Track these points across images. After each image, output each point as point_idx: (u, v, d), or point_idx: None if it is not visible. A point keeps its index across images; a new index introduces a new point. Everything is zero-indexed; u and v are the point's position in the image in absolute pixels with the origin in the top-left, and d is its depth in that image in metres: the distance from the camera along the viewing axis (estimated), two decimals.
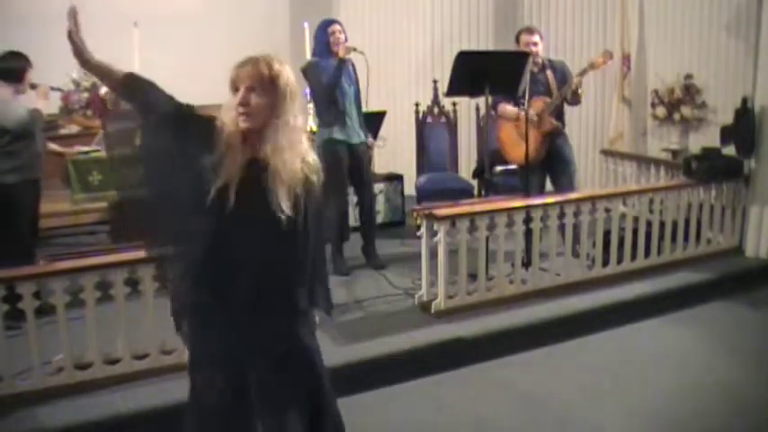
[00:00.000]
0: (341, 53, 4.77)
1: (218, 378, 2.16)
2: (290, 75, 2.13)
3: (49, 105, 4.86)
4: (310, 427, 2.23)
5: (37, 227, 4.68)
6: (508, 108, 5.06)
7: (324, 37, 4.85)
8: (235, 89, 2.09)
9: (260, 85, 2.07)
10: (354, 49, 4.82)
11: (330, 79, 4.77)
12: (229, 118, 2.09)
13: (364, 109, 5.14)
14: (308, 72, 4.87)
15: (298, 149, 2.12)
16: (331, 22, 4.96)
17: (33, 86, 4.47)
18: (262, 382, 2.16)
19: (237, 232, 2.08)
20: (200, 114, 2.16)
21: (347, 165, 4.96)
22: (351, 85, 4.95)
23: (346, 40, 4.88)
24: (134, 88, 2.19)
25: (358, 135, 5.01)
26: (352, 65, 5.01)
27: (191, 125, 2.13)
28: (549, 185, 5.30)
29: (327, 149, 4.80)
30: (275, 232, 2.08)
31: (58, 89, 4.95)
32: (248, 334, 2.15)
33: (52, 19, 6.75)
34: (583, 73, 4.86)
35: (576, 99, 4.96)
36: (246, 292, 2.12)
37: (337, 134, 4.90)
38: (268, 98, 2.07)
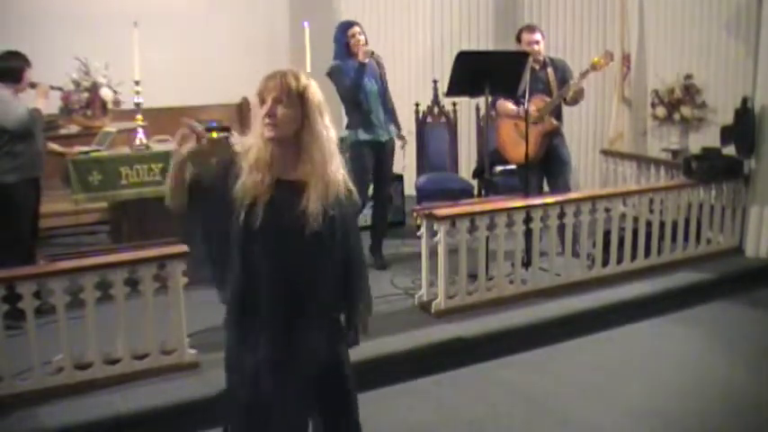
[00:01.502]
0: (360, 57, 4.80)
1: (250, 390, 2.17)
2: (317, 89, 2.15)
3: (50, 105, 4.86)
4: None
5: (37, 227, 4.68)
6: (508, 105, 5.06)
7: (343, 39, 4.90)
8: (262, 101, 2.10)
9: (287, 96, 2.08)
10: (372, 53, 4.89)
11: (351, 82, 4.82)
12: (256, 133, 2.12)
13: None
14: (332, 75, 4.93)
15: (336, 162, 2.15)
16: (350, 24, 4.99)
17: (33, 86, 4.47)
18: (294, 399, 2.17)
19: (265, 251, 2.10)
20: (220, 168, 2.17)
21: (372, 164, 5.00)
22: (375, 83, 4.97)
23: (366, 41, 4.92)
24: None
25: (387, 132, 5.05)
26: (377, 62, 5.05)
27: (222, 187, 2.13)
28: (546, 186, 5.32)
29: (353, 151, 4.93)
30: (310, 249, 2.11)
31: (59, 88, 4.95)
32: (284, 350, 2.15)
33: (52, 19, 6.82)
34: (584, 74, 4.86)
35: (575, 100, 4.96)
36: (283, 308, 2.13)
37: (363, 135, 4.95)
38: (294, 110, 2.09)
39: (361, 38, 4.88)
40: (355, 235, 2.28)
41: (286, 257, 2.11)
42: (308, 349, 2.17)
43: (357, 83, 4.82)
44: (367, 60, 4.83)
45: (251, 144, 2.13)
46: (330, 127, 2.16)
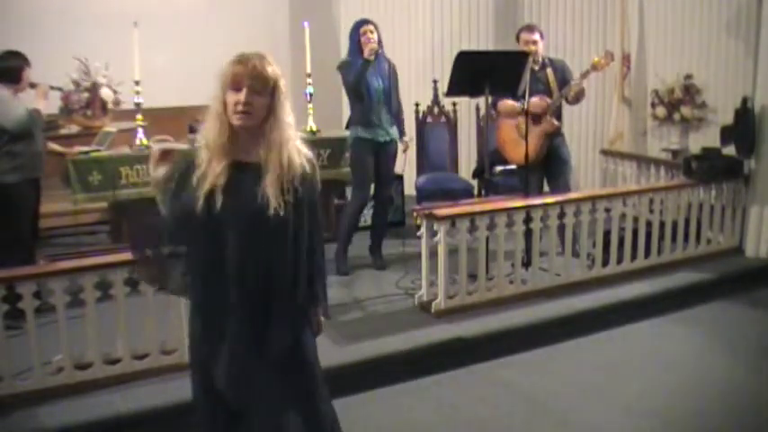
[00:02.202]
0: (365, 54, 4.82)
1: (216, 377, 2.17)
2: (281, 76, 2.17)
3: (49, 105, 4.86)
4: (306, 427, 2.22)
5: (37, 227, 4.68)
6: (508, 102, 5.06)
7: (355, 36, 4.92)
8: (236, 87, 2.09)
9: (262, 85, 2.09)
10: (377, 52, 4.88)
11: (353, 77, 4.84)
12: (214, 116, 2.13)
13: None
14: (341, 70, 4.99)
15: (292, 144, 2.15)
16: (364, 22, 5.00)
17: (33, 86, 4.47)
18: (260, 383, 2.16)
19: (229, 234, 2.10)
20: (177, 174, 2.19)
21: (372, 163, 5.00)
22: (381, 83, 4.97)
23: (379, 38, 4.93)
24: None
25: (388, 134, 5.05)
26: (389, 63, 5.06)
27: (181, 195, 2.15)
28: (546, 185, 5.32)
29: (353, 148, 4.98)
30: (268, 230, 2.09)
31: (58, 88, 4.95)
32: (247, 334, 2.15)
33: (52, 19, 6.82)
34: (585, 74, 4.86)
35: (576, 99, 4.97)
36: (244, 292, 2.13)
37: (362, 133, 4.96)
38: (267, 98, 2.11)
39: (373, 36, 4.89)
40: (314, 214, 2.23)
41: (247, 240, 2.10)
42: (272, 334, 2.16)
43: (359, 79, 4.83)
44: (372, 58, 4.85)
45: (208, 130, 2.14)
46: (291, 113, 2.18)
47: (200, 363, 2.23)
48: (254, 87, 2.08)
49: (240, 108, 2.08)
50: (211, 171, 2.10)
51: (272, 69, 2.13)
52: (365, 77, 4.85)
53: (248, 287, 2.12)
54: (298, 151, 2.16)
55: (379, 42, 4.94)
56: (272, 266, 2.13)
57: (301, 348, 2.24)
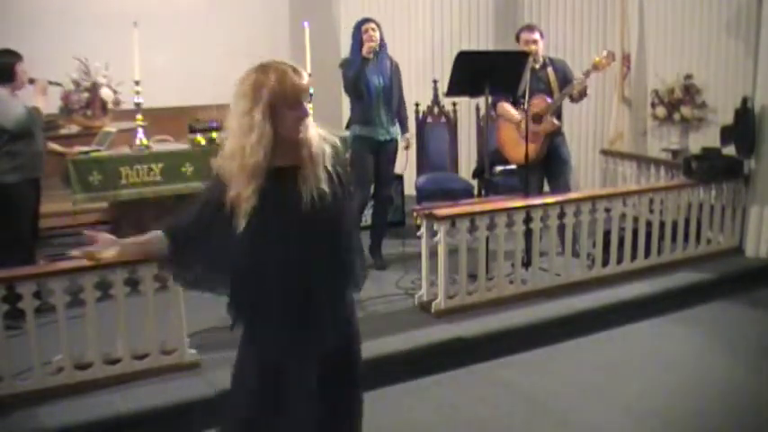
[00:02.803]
0: (363, 52, 4.86)
1: (271, 381, 2.17)
2: None
3: (50, 105, 4.85)
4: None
5: (37, 227, 4.68)
6: (510, 110, 5.06)
7: (358, 35, 4.96)
8: (297, 102, 2.05)
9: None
10: (378, 50, 4.91)
11: (352, 74, 4.87)
12: (263, 137, 2.02)
13: None
14: (342, 67, 5.04)
15: (324, 147, 2.13)
16: (366, 20, 5.03)
17: (32, 81, 4.45)
18: (312, 384, 2.18)
19: (278, 240, 2.07)
20: (211, 198, 2.12)
21: (372, 162, 5.01)
22: (382, 81, 4.98)
23: (382, 37, 4.96)
24: (181, 257, 2.19)
25: (387, 132, 5.05)
26: (391, 61, 5.06)
27: (216, 220, 2.10)
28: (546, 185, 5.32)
29: (352, 146, 5.00)
30: (313, 233, 2.08)
31: (57, 84, 4.93)
32: (302, 338, 2.15)
33: (52, 19, 6.81)
34: (587, 74, 4.87)
35: (580, 96, 4.98)
36: (296, 296, 2.11)
37: (360, 131, 4.99)
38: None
39: (375, 34, 4.92)
40: (352, 216, 2.28)
41: (292, 246, 2.08)
42: (321, 338, 2.16)
43: (357, 75, 4.85)
44: (371, 56, 4.86)
45: (243, 149, 2.03)
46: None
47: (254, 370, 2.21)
48: (306, 97, 2.07)
49: (306, 122, 2.06)
50: (248, 191, 2.03)
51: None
52: (365, 75, 4.86)
53: (294, 296, 2.11)
54: (323, 138, 2.15)
55: (382, 41, 4.96)
56: (318, 271, 2.12)
57: (351, 348, 2.31)
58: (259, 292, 2.12)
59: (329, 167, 2.12)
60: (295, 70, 2.08)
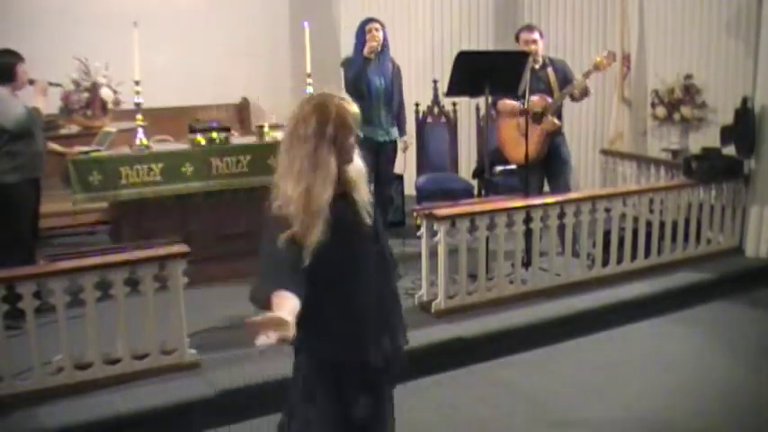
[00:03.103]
0: (365, 51, 4.87)
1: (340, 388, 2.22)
2: None
3: (50, 105, 4.85)
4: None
5: (37, 227, 4.68)
6: (508, 102, 5.06)
7: (361, 35, 4.96)
8: (354, 130, 2.16)
9: None
10: (380, 50, 4.91)
11: (352, 73, 4.87)
12: (330, 172, 2.07)
13: None
14: (343, 66, 5.06)
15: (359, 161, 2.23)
16: (369, 20, 5.04)
17: (32, 82, 4.45)
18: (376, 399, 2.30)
19: (349, 263, 2.15)
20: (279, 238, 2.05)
21: (371, 162, 5.00)
22: (382, 81, 4.99)
23: (385, 37, 4.96)
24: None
25: (387, 133, 5.06)
26: (393, 63, 5.07)
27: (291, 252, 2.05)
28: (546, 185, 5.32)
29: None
30: (372, 249, 2.22)
31: (57, 84, 4.93)
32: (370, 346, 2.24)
33: (52, 19, 6.81)
34: (587, 74, 4.87)
35: (582, 95, 4.98)
36: (369, 316, 2.22)
37: (361, 131, 4.93)
38: None
39: (378, 34, 4.93)
40: (385, 231, 2.37)
41: (361, 265, 2.19)
42: (382, 350, 2.26)
43: (357, 76, 4.85)
44: (372, 56, 4.85)
45: (310, 190, 2.04)
46: None
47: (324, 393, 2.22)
48: None
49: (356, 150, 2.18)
50: (319, 229, 2.02)
51: None
52: (366, 75, 4.86)
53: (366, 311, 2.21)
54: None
55: (385, 41, 4.95)
56: (379, 287, 2.25)
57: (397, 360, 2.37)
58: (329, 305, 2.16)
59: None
60: (344, 99, 2.17)
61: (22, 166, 4.30)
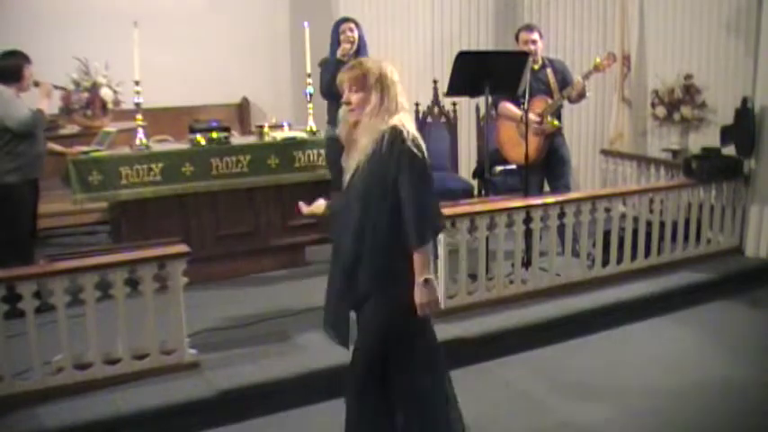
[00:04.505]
0: (338, 54, 4.78)
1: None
2: (380, 69, 2.56)
3: (50, 105, 4.86)
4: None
5: (36, 227, 4.68)
6: (512, 108, 5.06)
7: (335, 35, 4.89)
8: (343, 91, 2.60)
9: (356, 83, 2.55)
10: (352, 52, 4.78)
11: (327, 77, 4.76)
12: (343, 116, 2.65)
13: None
14: (320, 67, 4.97)
15: (374, 122, 2.52)
16: (343, 20, 4.97)
17: (37, 84, 4.47)
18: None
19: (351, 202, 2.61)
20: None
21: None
22: None
23: (361, 36, 4.88)
24: None
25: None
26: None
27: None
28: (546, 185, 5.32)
29: (327, 148, 4.95)
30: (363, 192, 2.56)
31: (62, 88, 4.94)
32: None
33: (52, 19, 6.81)
34: (587, 75, 4.87)
35: (579, 98, 4.98)
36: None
37: (335, 132, 4.89)
38: (364, 93, 2.54)
39: (352, 34, 4.81)
40: (402, 172, 2.53)
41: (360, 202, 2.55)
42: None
43: (331, 80, 4.78)
44: (346, 58, 4.78)
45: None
46: (386, 98, 2.56)
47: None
48: (349, 87, 2.57)
49: (346, 108, 2.59)
50: (350, 155, 2.64)
51: (363, 67, 2.57)
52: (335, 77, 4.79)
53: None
54: (385, 127, 2.52)
55: (362, 40, 4.86)
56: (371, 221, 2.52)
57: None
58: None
59: (380, 145, 2.54)
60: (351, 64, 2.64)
61: (23, 167, 4.31)
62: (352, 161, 2.58)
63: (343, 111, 2.64)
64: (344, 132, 2.65)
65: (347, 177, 2.60)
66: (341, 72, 2.58)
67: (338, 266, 2.62)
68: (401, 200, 2.46)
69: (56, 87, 4.65)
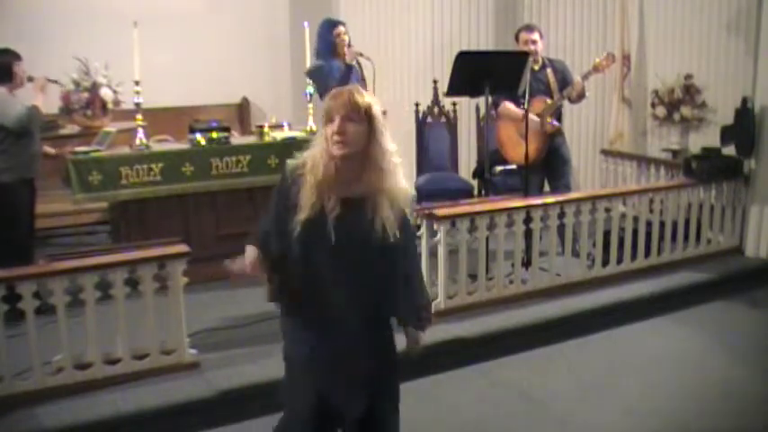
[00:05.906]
0: (348, 59, 4.77)
1: (309, 379, 2.36)
2: (378, 105, 2.20)
3: (50, 105, 4.85)
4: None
5: (33, 227, 4.67)
6: (513, 109, 5.06)
7: (329, 37, 4.84)
8: (330, 120, 2.14)
9: (356, 113, 2.12)
10: (361, 54, 4.83)
11: (337, 82, 4.75)
12: (320, 149, 2.17)
13: None
14: (314, 75, 4.91)
15: (400, 172, 2.21)
16: (336, 23, 4.94)
17: (30, 79, 4.45)
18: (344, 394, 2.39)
19: (340, 263, 2.19)
20: (282, 197, 2.24)
21: None
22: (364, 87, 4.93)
23: (350, 41, 4.87)
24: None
25: None
26: (358, 63, 5.02)
27: (287, 215, 2.21)
28: (546, 185, 5.32)
29: None
30: (377, 258, 2.21)
31: (55, 81, 4.92)
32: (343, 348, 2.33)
33: (52, 19, 6.81)
34: (586, 76, 4.87)
35: (578, 98, 4.98)
36: (352, 311, 2.27)
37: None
38: (363, 126, 2.13)
39: (347, 38, 4.82)
40: (412, 237, 2.39)
41: (355, 268, 2.20)
42: (361, 350, 2.36)
43: (344, 84, 4.78)
44: (354, 62, 4.79)
45: (315, 160, 2.17)
46: (391, 143, 2.21)
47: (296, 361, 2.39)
48: (346, 116, 2.12)
49: (336, 138, 2.11)
50: (318, 201, 2.15)
51: (366, 98, 2.16)
52: (351, 82, 4.77)
53: (350, 307, 2.25)
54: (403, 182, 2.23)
55: (349, 43, 4.86)
56: (375, 290, 2.26)
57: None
58: (310, 288, 2.32)
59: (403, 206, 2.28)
60: (340, 92, 2.18)
61: (19, 166, 4.31)
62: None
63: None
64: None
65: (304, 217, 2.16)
66: (332, 99, 2.18)
67: (347, 324, 2.31)
68: None
69: (50, 81, 4.63)
